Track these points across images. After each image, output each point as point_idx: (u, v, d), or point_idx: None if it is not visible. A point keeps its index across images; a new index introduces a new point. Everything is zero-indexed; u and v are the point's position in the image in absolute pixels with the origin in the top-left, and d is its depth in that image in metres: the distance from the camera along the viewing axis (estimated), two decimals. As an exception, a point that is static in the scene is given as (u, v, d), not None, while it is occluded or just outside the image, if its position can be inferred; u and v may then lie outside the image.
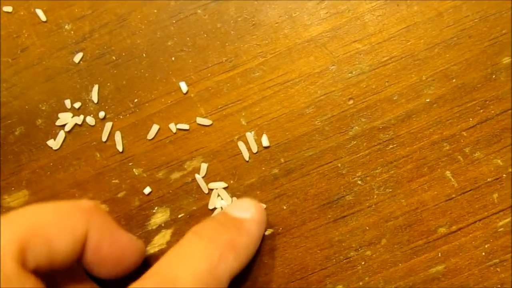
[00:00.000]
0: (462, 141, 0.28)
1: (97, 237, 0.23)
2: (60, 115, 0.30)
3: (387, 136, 0.28)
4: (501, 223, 0.28)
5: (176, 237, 0.29)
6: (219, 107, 0.29)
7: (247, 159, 0.29)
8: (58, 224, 0.22)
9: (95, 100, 0.30)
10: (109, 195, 0.30)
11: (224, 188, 0.28)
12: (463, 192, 0.28)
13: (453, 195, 0.28)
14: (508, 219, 0.28)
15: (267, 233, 0.29)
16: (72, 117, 0.30)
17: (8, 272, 0.20)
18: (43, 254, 0.22)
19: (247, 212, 0.25)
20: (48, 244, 0.22)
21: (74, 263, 0.23)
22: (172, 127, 0.29)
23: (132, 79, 0.30)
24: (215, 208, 0.29)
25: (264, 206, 0.27)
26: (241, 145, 0.29)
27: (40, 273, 0.22)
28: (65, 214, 0.23)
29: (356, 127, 0.28)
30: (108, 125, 0.30)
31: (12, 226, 0.21)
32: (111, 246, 0.24)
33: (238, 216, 0.25)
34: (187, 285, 0.22)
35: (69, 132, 0.30)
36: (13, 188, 0.30)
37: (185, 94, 0.29)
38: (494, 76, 0.28)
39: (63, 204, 0.24)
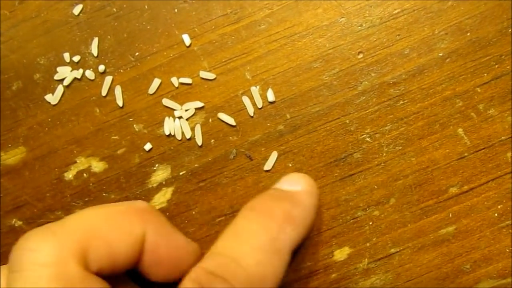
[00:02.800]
0: (475, 97, 0.27)
1: (154, 239, 0.23)
2: (58, 69, 0.29)
3: (397, 91, 0.27)
4: (514, 183, 0.27)
5: (177, 195, 0.28)
6: (223, 60, 0.28)
7: (251, 114, 0.28)
8: (116, 226, 0.23)
9: (95, 54, 0.29)
10: (109, 151, 0.29)
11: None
12: (475, 150, 0.27)
13: (465, 154, 0.27)
14: (522, 179, 0.27)
15: (271, 191, 0.28)
16: (71, 71, 0.29)
17: (73, 274, 0.20)
18: (104, 257, 0.22)
19: (298, 185, 0.25)
20: (108, 246, 0.22)
21: (133, 266, 0.23)
22: (174, 81, 0.28)
23: (133, 32, 0.29)
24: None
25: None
26: (246, 100, 0.28)
27: (102, 276, 0.22)
28: (122, 216, 0.23)
29: (366, 82, 0.27)
30: (108, 79, 0.29)
31: (72, 230, 0.22)
32: (168, 247, 0.24)
33: (289, 189, 0.25)
34: (250, 261, 0.21)
35: (67, 86, 0.29)
36: (9, 145, 0.30)
37: (188, 47, 0.28)
38: (510, 30, 0.27)
39: (118, 206, 0.24)
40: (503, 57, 0.27)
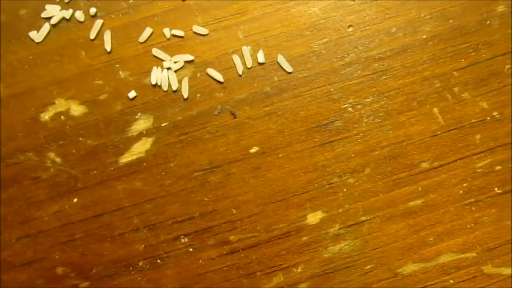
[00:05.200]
0: (452, 80, 0.28)
1: None
2: (47, 6, 0.29)
3: (381, 66, 0.28)
4: (480, 164, 0.28)
5: (157, 146, 0.28)
6: (218, 18, 0.28)
7: (240, 73, 0.28)
8: None
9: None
10: (90, 96, 0.28)
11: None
12: (448, 130, 0.28)
13: (439, 132, 0.28)
14: (487, 161, 0.28)
15: (252, 151, 0.28)
16: (60, 10, 0.28)
17: None
18: None
19: None
20: None
21: None
22: (167, 32, 0.28)
23: (129, -21, 0.28)
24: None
25: None
26: (236, 58, 0.28)
27: None
28: None
29: (352, 54, 0.28)
30: (98, 23, 0.28)
31: None
32: None
33: None
34: None
35: (54, 25, 0.29)
36: (-16, 80, 0.28)
37: (183, 0, 0.28)
38: (488, 22, 0.29)
39: None
40: (479, 46, 0.29)
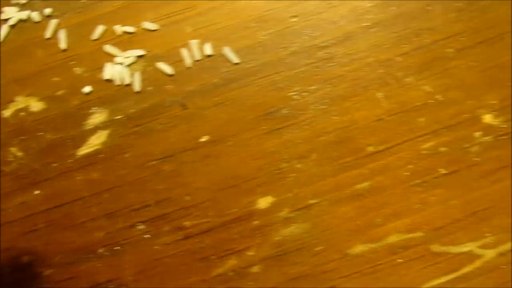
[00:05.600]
0: (395, 65, 0.29)
1: None
2: (4, 8, 0.30)
3: (325, 55, 0.29)
4: (425, 146, 0.29)
5: (112, 138, 0.30)
6: (167, 13, 0.30)
7: (189, 66, 0.29)
8: None
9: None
10: (48, 92, 0.30)
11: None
12: (392, 114, 0.29)
13: (383, 116, 0.29)
14: (432, 143, 0.29)
15: (203, 140, 0.29)
16: (18, 11, 0.30)
17: None
18: None
19: None
20: None
21: None
22: (118, 29, 0.29)
23: None
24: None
25: None
26: (185, 52, 0.29)
27: None
28: None
29: (297, 44, 0.29)
30: (53, 22, 0.30)
31: None
32: None
33: None
34: None
35: (12, 26, 0.30)
36: (-51, 80, 0.30)
37: (133, -2, 0.30)
38: (430, 8, 0.30)
39: None
40: (422, 31, 0.30)
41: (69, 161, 0.30)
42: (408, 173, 0.29)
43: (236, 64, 0.29)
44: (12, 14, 0.30)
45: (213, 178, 0.29)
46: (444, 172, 0.29)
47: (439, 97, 0.29)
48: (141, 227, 0.30)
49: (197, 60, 0.29)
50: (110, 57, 0.30)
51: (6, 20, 0.30)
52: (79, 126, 0.30)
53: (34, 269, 0.30)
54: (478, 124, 0.29)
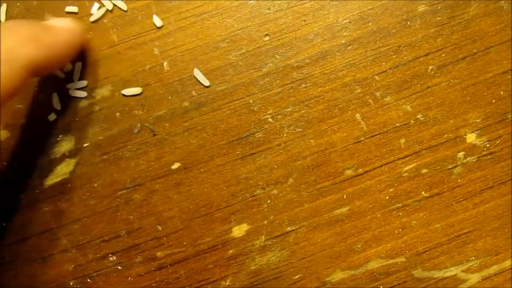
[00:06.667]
0: (374, 84, 0.28)
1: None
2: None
3: (300, 75, 0.28)
4: (406, 168, 0.28)
5: (80, 167, 0.28)
6: (133, 35, 0.28)
7: (157, 89, 0.28)
8: None
9: (3, 20, 0.28)
10: (13, 120, 0.29)
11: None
12: (371, 135, 0.28)
13: (362, 138, 0.28)
14: (413, 165, 0.28)
15: (174, 167, 0.28)
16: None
17: None
18: None
19: (61, 22, 0.26)
20: None
21: None
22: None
23: (42, 0, 0.28)
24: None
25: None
26: (153, 75, 0.28)
27: None
28: None
29: (270, 64, 0.28)
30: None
31: None
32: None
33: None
34: None
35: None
36: None
37: (97, 20, 0.28)
38: (409, 23, 0.28)
39: None
40: (401, 48, 0.28)
41: (36, 191, 0.29)
42: (389, 197, 0.28)
43: (207, 87, 0.28)
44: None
45: (186, 206, 0.28)
46: (426, 195, 0.28)
47: (419, 116, 0.28)
48: (113, 258, 0.29)
49: (166, 84, 0.28)
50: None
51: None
52: (46, 155, 0.29)
53: (3, 304, 0.29)
54: (461, 144, 0.28)
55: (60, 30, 0.26)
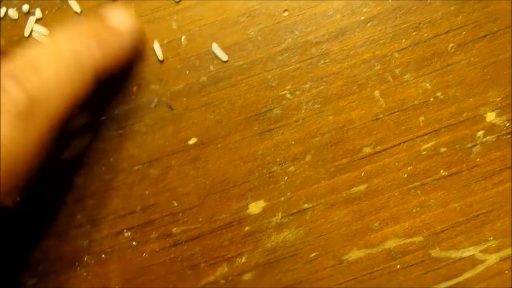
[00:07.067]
0: (393, 62, 0.28)
1: None
2: (-21, 5, 0.28)
3: (319, 51, 0.28)
4: (424, 147, 0.28)
5: (96, 141, 0.28)
6: (151, 9, 0.28)
7: (175, 64, 0.28)
8: None
9: None
10: (28, 94, 0.28)
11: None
12: (390, 113, 0.28)
13: (380, 115, 0.28)
14: (432, 143, 0.28)
15: (190, 142, 0.28)
16: (-6, 8, 0.28)
17: None
18: None
19: (122, 23, 0.25)
20: None
21: None
22: (100, 26, 0.28)
23: (61, -26, 0.28)
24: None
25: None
26: (171, 49, 0.28)
27: None
28: None
29: (289, 40, 0.28)
30: (32, 20, 0.28)
31: None
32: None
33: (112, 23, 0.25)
34: (50, 69, 0.22)
35: (-11, 24, 0.28)
36: None
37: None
38: (429, 0, 0.28)
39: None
40: (421, 25, 0.28)
41: (52, 166, 0.28)
42: (407, 175, 0.28)
43: (225, 62, 0.28)
44: (-12, 11, 0.28)
45: (202, 182, 0.28)
46: (445, 173, 0.28)
47: (439, 94, 0.28)
48: (128, 234, 0.28)
49: (184, 58, 0.28)
50: (92, 56, 0.28)
51: (-19, 17, 0.28)
52: (61, 130, 0.28)
53: (18, 279, 0.29)
54: (480, 123, 0.28)
55: (122, 31, 0.25)
